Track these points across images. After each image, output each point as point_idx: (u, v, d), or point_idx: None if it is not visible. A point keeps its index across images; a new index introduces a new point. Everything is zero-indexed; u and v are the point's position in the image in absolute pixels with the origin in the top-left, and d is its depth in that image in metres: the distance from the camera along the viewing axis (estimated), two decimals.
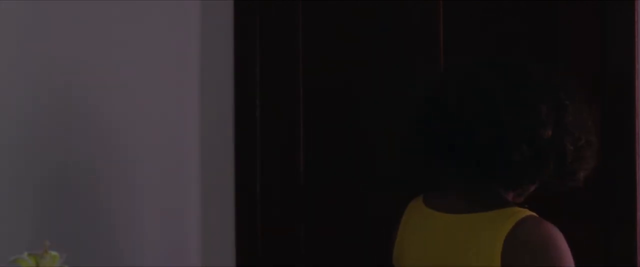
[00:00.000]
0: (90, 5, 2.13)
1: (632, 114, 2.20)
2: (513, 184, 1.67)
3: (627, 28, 2.19)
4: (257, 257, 2.58)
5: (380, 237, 1.89)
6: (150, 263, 2.33)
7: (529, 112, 1.59)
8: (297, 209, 2.55)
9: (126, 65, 2.26)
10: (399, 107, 2.21)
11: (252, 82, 2.56)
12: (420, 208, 1.74)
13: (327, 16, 2.47)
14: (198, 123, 2.54)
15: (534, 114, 1.59)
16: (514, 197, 1.70)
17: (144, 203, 2.33)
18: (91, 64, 2.15)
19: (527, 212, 1.61)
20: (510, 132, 1.58)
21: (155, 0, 2.35)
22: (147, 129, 2.35)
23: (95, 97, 2.17)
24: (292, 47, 2.52)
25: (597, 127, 1.69)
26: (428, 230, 1.69)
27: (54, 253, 1.35)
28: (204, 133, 2.54)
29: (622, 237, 2.21)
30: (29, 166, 1.98)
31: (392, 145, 2.17)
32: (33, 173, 1.98)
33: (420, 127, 1.69)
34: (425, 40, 2.35)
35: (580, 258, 1.60)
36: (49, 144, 2.03)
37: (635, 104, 2.20)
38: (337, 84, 2.48)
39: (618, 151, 2.21)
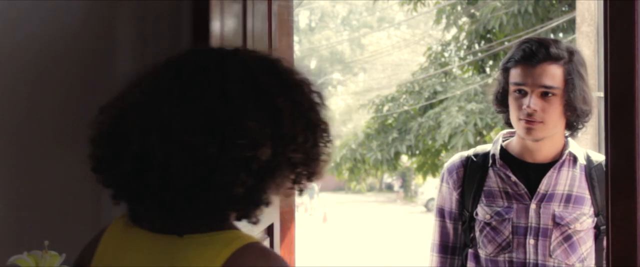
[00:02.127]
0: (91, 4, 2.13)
1: (632, 114, 2.19)
2: (241, 216, 1.38)
3: (627, 28, 2.19)
4: None
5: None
6: None
7: (236, 136, 1.30)
8: None
9: (129, 63, 2.26)
10: None
11: None
12: (126, 224, 1.43)
13: None
14: None
15: (242, 137, 1.31)
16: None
17: None
18: (93, 62, 2.15)
19: (251, 239, 1.36)
20: (221, 167, 1.30)
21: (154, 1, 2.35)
22: None
23: (98, 95, 2.17)
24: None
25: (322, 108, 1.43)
26: (131, 252, 1.38)
27: (53, 253, 1.35)
28: None
29: (622, 237, 2.21)
30: (30, 164, 1.98)
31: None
32: (34, 172, 1.98)
33: (100, 165, 1.39)
34: None
35: None
36: (50, 143, 2.03)
37: (635, 104, 2.19)
38: None
39: (618, 151, 2.21)
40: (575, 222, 2.41)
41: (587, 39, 7.27)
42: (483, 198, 2.49)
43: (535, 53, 2.38)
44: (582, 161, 2.48)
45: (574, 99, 2.38)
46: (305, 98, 1.38)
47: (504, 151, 2.53)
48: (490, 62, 13.68)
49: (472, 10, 13.33)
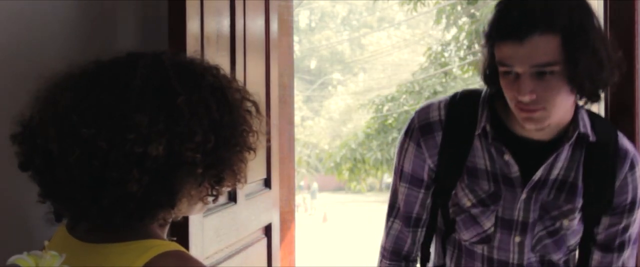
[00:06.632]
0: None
1: (632, 113, 2.20)
2: (141, 216, 1.33)
3: (627, 28, 2.19)
4: None
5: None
6: None
7: (125, 131, 1.26)
8: None
9: None
10: None
11: None
12: (64, 231, 1.42)
13: None
14: None
15: (131, 131, 1.27)
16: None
17: None
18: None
19: (170, 247, 1.31)
20: (112, 162, 1.27)
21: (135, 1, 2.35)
22: None
23: None
24: None
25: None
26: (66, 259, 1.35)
27: (53, 253, 1.35)
28: None
29: None
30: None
31: None
32: None
33: (22, 162, 1.38)
34: None
35: None
36: None
37: (635, 103, 2.20)
38: None
39: None
40: (563, 217, 1.97)
41: None
42: (465, 176, 1.99)
43: (520, 25, 1.78)
44: (590, 137, 1.95)
45: (580, 74, 1.81)
46: (220, 101, 1.34)
47: (493, 114, 1.97)
48: None
49: (472, 10, 13.33)
